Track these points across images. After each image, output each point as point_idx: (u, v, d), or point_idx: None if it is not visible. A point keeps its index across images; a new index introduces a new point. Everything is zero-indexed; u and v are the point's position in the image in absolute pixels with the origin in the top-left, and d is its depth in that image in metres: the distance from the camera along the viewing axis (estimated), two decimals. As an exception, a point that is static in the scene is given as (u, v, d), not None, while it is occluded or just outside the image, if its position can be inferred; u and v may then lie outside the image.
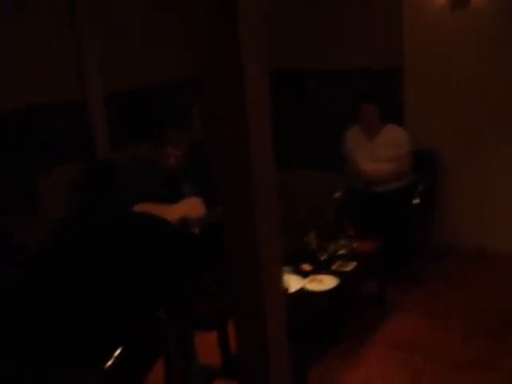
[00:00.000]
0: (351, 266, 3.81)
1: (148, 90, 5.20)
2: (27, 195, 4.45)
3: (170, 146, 4.19)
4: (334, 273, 3.73)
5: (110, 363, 2.58)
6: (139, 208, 3.79)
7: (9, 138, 4.46)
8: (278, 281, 2.53)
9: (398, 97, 5.02)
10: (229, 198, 2.36)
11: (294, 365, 3.23)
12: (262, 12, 2.10)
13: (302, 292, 3.53)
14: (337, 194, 4.66)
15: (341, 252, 3.92)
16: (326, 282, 3.61)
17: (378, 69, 5.12)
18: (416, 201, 4.51)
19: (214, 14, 2.04)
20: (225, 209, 2.39)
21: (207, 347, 3.53)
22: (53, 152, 4.75)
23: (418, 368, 3.52)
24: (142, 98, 5.20)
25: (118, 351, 2.63)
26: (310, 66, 5.52)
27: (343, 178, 4.75)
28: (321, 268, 3.78)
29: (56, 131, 4.84)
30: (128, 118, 5.08)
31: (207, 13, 2.07)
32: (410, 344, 3.76)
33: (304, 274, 3.71)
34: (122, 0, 5.08)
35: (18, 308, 2.88)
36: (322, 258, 3.84)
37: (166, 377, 3.20)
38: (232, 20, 2.00)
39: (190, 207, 4.00)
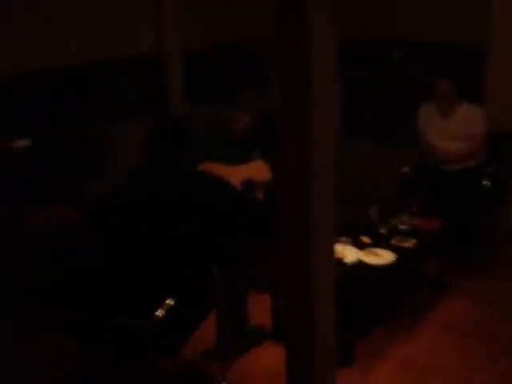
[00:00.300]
0: (411, 243, 3.78)
1: (227, 49, 5.19)
2: (102, 145, 4.60)
3: (240, 111, 4.23)
4: (393, 248, 3.70)
5: (160, 311, 2.69)
6: (206, 166, 3.90)
7: (87, 90, 4.61)
8: (330, 252, 2.54)
9: (478, 74, 4.85)
10: (286, 165, 2.37)
11: (343, 334, 3.28)
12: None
13: (357, 264, 3.53)
14: (404, 169, 4.59)
15: (402, 227, 3.88)
16: (383, 256, 3.60)
17: (458, 43, 4.97)
18: (486, 182, 4.39)
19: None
20: (281, 174, 2.41)
21: (260, 309, 3.60)
22: (128, 104, 4.88)
23: (467, 350, 3.48)
24: (220, 57, 5.22)
25: (169, 300, 2.74)
26: (391, 36, 5.40)
27: (413, 154, 4.66)
28: (380, 242, 3.76)
29: (133, 84, 4.96)
30: (204, 78, 5.13)
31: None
32: (463, 327, 3.71)
33: (362, 247, 3.71)
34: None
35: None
36: (382, 232, 3.81)
37: (217, 334, 3.30)
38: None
39: (256, 170, 4.08)
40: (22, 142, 4.39)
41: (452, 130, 4.41)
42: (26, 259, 3.99)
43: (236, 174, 4.00)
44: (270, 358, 3.41)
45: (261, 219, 3.17)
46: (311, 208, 2.29)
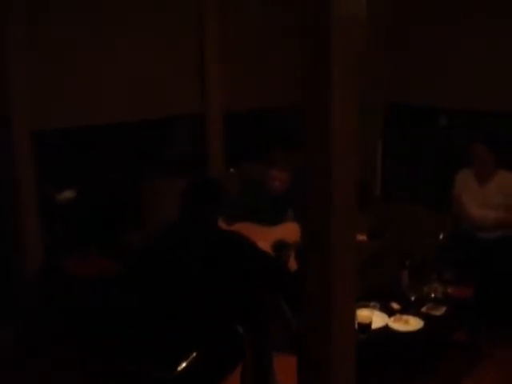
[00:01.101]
0: (441, 311, 3.73)
1: (264, 112, 5.37)
2: (143, 199, 4.74)
3: (276, 169, 4.30)
4: (423, 315, 3.66)
5: (183, 365, 2.75)
6: (240, 226, 3.98)
7: (128, 146, 4.80)
8: (350, 314, 2.54)
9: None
10: (308, 226, 2.41)
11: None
12: (354, 52, 2.17)
13: (384, 329, 3.52)
14: (441, 236, 4.56)
15: (433, 295, 3.85)
16: (411, 323, 3.57)
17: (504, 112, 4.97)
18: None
19: (308, 54, 2.15)
20: (304, 234, 2.44)
21: (287, 371, 3.59)
22: (172, 161, 5.05)
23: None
24: (258, 119, 5.38)
25: (193, 355, 2.79)
26: (441, 103, 5.43)
27: (449, 220, 4.65)
28: (409, 308, 3.73)
29: (177, 142, 5.15)
30: (243, 138, 5.28)
31: (303, 51, 2.17)
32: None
33: (391, 313, 3.69)
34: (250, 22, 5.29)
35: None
36: (412, 299, 3.79)
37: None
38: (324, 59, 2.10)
39: (288, 231, 4.12)
40: (68, 193, 4.58)
41: (488, 198, 4.38)
42: (68, 305, 4.11)
43: (268, 236, 4.06)
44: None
45: (285, 282, 3.21)
46: (331, 263, 2.31)
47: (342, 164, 2.26)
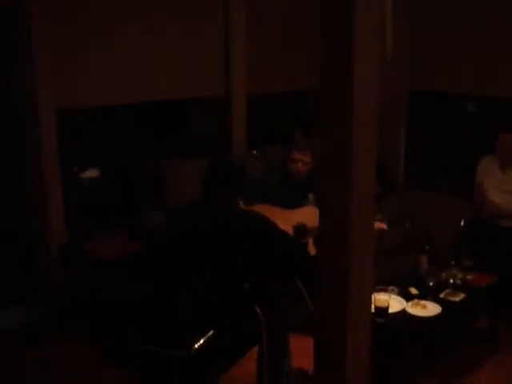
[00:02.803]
0: (460, 297, 3.73)
1: (288, 96, 5.36)
2: (157, 180, 4.75)
3: (298, 151, 4.30)
4: (441, 301, 3.66)
5: (198, 344, 2.78)
6: (261, 208, 3.98)
7: (152, 126, 4.83)
8: (367, 300, 2.55)
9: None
10: (327, 211, 2.42)
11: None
12: (376, 28, 2.16)
13: (402, 314, 3.52)
14: (462, 222, 4.53)
15: (452, 281, 3.84)
16: (428, 308, 3.57)
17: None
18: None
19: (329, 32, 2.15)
20: (322, 220, 2.45)
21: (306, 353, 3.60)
22: (196, 142, 5.08)
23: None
24: (281, 103, 5.38)
25: (210, 333, 2.82)
26: (469, 89, 5.36)
27: (471, 207, 4.62)
28: (427, 294, 3.73)
29: (202, 124, 5.18)
30: (265, 121, 5.29)
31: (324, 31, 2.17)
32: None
33: (409, 297, 3.69)
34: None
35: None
36: (431, 284, 3.78)
37: (257, 374, 3.34)
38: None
39: (309, 216, 4.12)
40: (91, 172, 4.63)
41: (510, 185, 4.35)
42: (87, 286, 4.17)
43: (289, 219, 4.06)
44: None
45: (304, 264, 3.23)
46: (350, 249, 2.32)
47: (362, 140, 2.23)
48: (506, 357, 3.94)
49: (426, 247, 3.90)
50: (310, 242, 3.82)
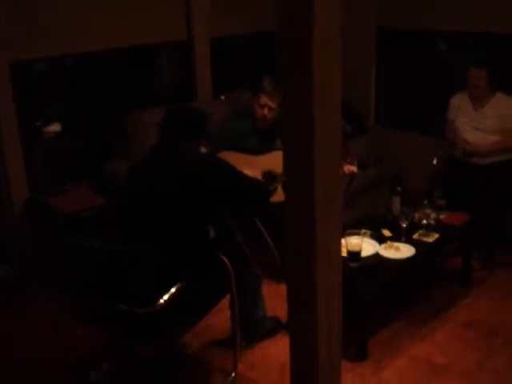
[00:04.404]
0: (433, 238, 3.69)
1: (252, 38, 5.17)
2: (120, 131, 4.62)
3: (265, 96, 4.17)
4: (414, 242, 3.62)
5: (164, 299, 2.71)
6: (225, 154, 3.88)
7: (113, 76, 4.65)
8: (336, 244, 2.48)
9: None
10: (292, 154, 2.31)
11: (356, 329, 3.24)
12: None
13: (375, 257, 3.47)
14: (434, 161, 4.45)
15: (425, 222, 3.78)
16: (402, 251, 3.53)
17: (499, 33, 4.76)
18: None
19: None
20: (287, 164, 2.34)
21: (279, 300, 3.57)
22: (159, 90, 4.92)
23: (488, 350, 3.38)
24: (246, 45, 5.19)
25: (174, 289, 2.75)
26: (435, 25, 5.20)
27: (443, 145, 4.53)
28: (401, 235, 3.68)
29: (163, 71, 5.00)
30: (232, 66, 5.12)
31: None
32: (485, 325, 3.61)
33: (382, 240, 3.64)
34: None
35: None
36: (404, 226, 3.72)
37: (231, 319, 3.29)
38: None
39: (276, 161, 4.02)
40: (54, 127, 4.48)
41: (483, 123, 4.26)
42: (54, 241, 4.07)
43: (256, 165, 3.96)
44: (282, 349, 3.38)
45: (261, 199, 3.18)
46: (316, 194, 2.23)
47: (324, 86, 2.12)
48: (479, 293, 3.94)
49: (398, 188, 3.83)
50: (279, 187, 3.73)
